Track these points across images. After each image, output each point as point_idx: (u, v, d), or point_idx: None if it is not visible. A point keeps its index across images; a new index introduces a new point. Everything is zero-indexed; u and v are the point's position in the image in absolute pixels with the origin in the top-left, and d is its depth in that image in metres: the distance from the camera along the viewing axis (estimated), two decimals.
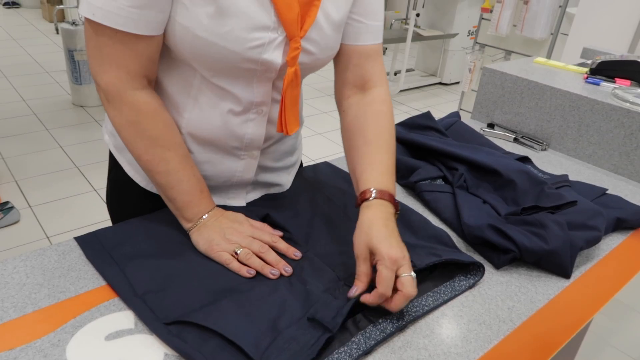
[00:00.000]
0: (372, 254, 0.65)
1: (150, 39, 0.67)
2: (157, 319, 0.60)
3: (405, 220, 0.83)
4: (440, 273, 0.73)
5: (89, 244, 0.73)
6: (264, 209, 0.83)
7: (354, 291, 0.64)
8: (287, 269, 0.70)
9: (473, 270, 0.75)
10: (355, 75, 0.83)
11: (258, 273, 0.70)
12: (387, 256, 0.63)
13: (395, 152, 0.80)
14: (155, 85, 0.76)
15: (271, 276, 0.69)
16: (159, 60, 0.73)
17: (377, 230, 0.66)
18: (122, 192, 0.90)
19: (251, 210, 0.81)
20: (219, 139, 0.79)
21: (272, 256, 0.72)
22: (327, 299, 0.65)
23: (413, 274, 0.63)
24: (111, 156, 0.90)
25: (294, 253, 0.74)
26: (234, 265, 0.70)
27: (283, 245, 0.75)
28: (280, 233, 0.78)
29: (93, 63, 0.69)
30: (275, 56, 0.71)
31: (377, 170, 0.75)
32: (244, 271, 0.70)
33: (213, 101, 0.75)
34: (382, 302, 0.63)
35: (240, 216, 0.77)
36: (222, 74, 0.72)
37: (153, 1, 0.64)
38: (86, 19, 0.65)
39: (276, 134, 0.84)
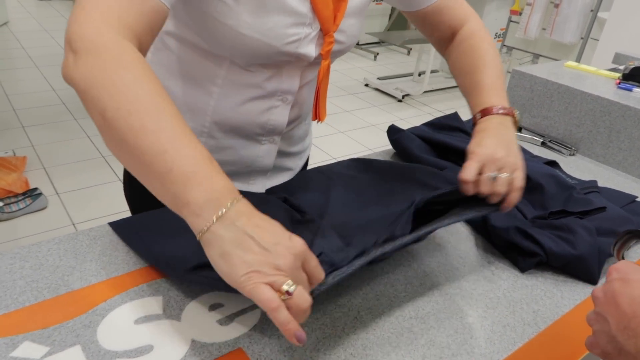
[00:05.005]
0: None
1: (159, 5, 0.57)
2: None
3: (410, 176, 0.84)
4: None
5: (123, 229, 0.74)
6: (282, 193, 0.81)
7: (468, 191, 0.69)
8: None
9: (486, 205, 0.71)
10: (443, 32, 0.89)
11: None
12: (477, 154, 0.69)
13: (502, 69, 0.84)
14: (184, 73, 0.77)
15: (295, 340, 0.45)
16: (188, 52, 0.75)
17: (480, 137, 0.72)
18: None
19: (271, 196, 0.80)
20: (242, 126, 0.81)
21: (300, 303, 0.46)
22: (340, 245, 0.65)
23: (506, 175, 0.67)
24: None
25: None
26: (281, 317, 0.44)
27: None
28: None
29: (72, 17, 0.54)
30: (310, 50, 0.74)
31: (484, 93, 0.78)
32: (292, 336, 0.45)
33: (239, 90, 0.78)
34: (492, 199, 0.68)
35: (281, 227, 0.50)
36: (255, 63, 0.75)
37: None
38: None
39: (295, 119, 0.87)
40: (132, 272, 0.68)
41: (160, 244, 0.70)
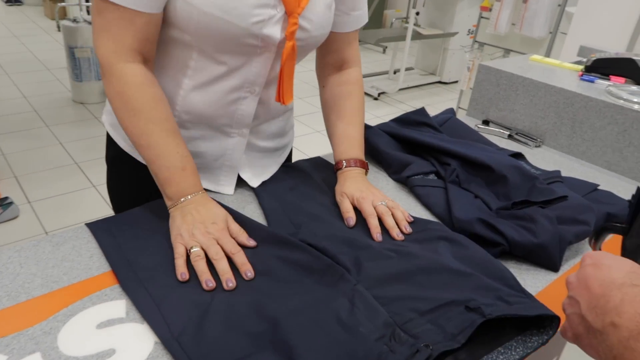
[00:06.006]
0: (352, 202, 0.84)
1: (149, 17, 0.72)
2: None
3: (462, 254, 0.74)
4: (510, 322, 0.63)
5: (100, 230, 0.75)
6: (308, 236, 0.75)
7: (351, 224, 0.81)
8: (230, 284, 0.66)
9: (545, 320, 0.64)
10: (335, 59, 0.96)
11: (316, 302, 0.63)
12: (359, 196, 0.84)
13: (364, 123, 0.97)
14: (154, 66, 0.80)
15: (204, 286, 0.65)
16: (160, 44, 0.78)
17: (348, 185, 0.87)
18: (119, 169, 0.94)
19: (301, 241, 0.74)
20: (211, 117, 0.84)
21: (221, 266, 0.68)
22: (383, 351, 0.57)
23: (384, 202, 0.83)
24: (107, 137, 0.94)
25: (246, 272, 0.68)
26: (179, 262, 0.68)
27: (240, 260, 0.69)
28: (253, 244, 0.73)
29: (94, 39, 0.74)
30: (275, 31, 0.76)
31: (346, 144, 0.92)
32: (203, 280, 0.66)
33: (208, 81, 0.80)
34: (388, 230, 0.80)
35: (221, 216, 0.75)
36: (223, 50, 0.77)
37: None
38: None
39: (264, 114, 0.89)
40: (95, 277, 0.67)
41: (135, 247, 0.71)
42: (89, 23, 3.42)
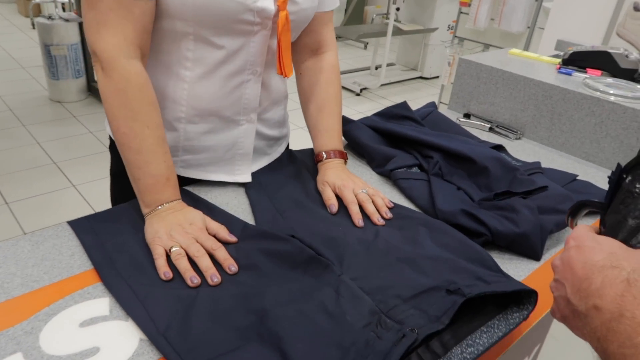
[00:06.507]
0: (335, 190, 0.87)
1: (145, 4, 0.71)
2: None
3: (442, 240, 0.76)
4: (491, 302, 0.65)
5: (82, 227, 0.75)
6: (288, 228, 0.77)
7: (334, 210, 0.83)
8: (215, 279, 0.65)
9: (525, 297, 0.65)
10: (312, 41, 0.96)
11: (297, 298, 0.63)
12: (340, 184, 0.86)
13: (341, 112, 0.99)
14: (154, 62, 0.80)
15: (190, 283, 0.65)
16: (155, 40, 0.78)
17: (329, 174, 0.89)
18: (127, 182, 0.90)
19: (279, 231, 0.74)
20: (219, 107, 0.84)
21: (204, 263, 0.67)
22: (370, 338, 0.57)
23: (365, 190, 0.85)
24: (111, 148, 0.93)
25: (230, 266, 0.68)
26: (159, 262, 0.67)
27: (221, 255, 0.69)
28: (234, 239, 0.73)
29: (90, 33, 0.71)
30: (268, 3, 0.78)
31: (326, 136, 0.95)
32: (187, 277, 0.66)
33: (209, 70, 0.80)
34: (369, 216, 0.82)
35: (198, 217, 0.74)
36: (221, 32, 0.77)
37: None
38: None
39: (267, 98, 0.90)
40: (76, 275, 0.66)
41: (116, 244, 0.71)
42: (65, 20, 3.36)
